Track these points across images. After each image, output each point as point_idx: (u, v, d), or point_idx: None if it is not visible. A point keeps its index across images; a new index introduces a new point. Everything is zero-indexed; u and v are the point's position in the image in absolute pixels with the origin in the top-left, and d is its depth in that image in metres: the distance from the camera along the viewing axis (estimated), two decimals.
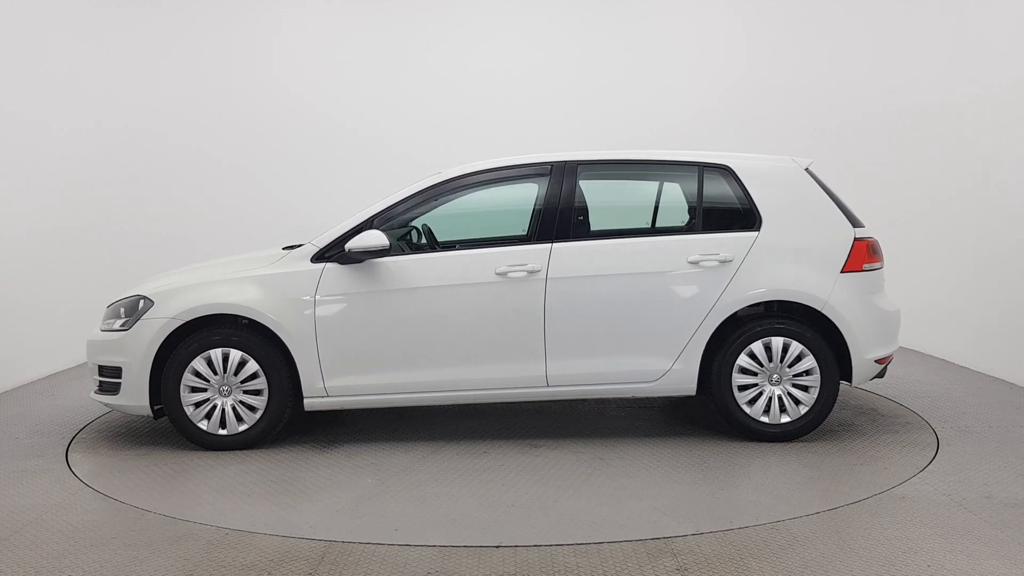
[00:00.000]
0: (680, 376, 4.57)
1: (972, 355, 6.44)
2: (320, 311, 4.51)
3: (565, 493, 3.88)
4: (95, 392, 4.76)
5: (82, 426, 5.13)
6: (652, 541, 3.31)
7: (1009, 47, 6.01)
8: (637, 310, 4.54)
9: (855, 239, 4.64)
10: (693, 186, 4.78)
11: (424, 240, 5.05)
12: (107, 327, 4.73)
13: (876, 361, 4.64)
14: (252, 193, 8.18)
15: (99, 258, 7.37)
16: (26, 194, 6.45)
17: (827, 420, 4.98)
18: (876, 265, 4.72)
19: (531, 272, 4.51)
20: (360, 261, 4.52)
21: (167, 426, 5.03)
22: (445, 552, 3.24)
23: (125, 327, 4.62)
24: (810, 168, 4.83)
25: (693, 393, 4.62)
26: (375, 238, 4.46)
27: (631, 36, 8.37)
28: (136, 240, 7.80)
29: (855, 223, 4.71)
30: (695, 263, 4.54)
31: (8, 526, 3.55)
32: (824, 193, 4.72)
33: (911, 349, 7.00)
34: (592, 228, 4.80)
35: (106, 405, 4.72)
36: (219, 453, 4.52)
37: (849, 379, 4.64)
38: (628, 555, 3.19)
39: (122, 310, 4.71)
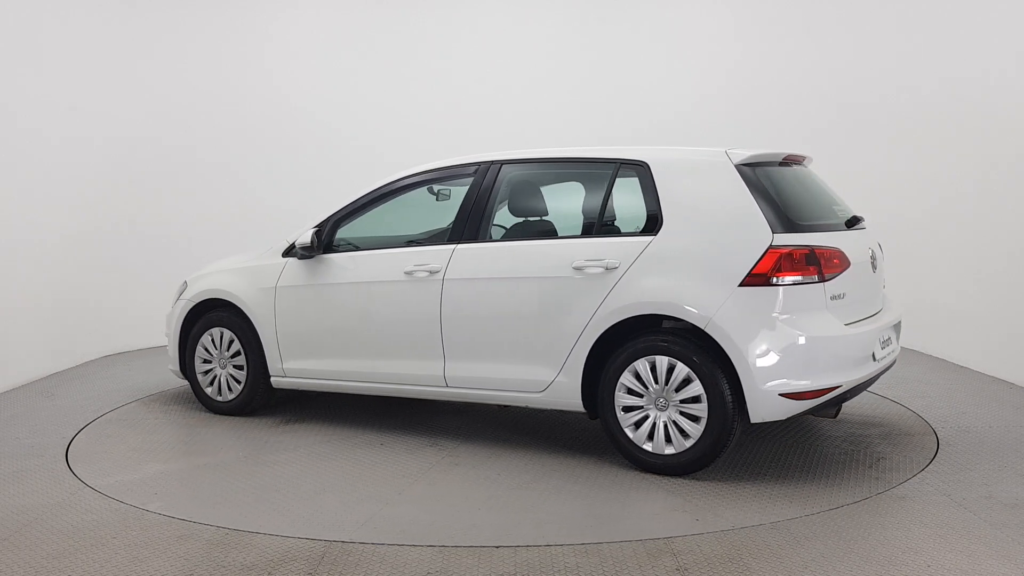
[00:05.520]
0: (564, 389, 4.24)
1: (972, 355, 6.44)
2: (279, 299, 5.04)
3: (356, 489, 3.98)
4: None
5: (82, 426, 5.13)
6: (652, 541, 3.31)
7: (1013, 39, 6.00)
8: (522, 316, 4.33)
9: (769, 247, 3.84)
10: (607, 185, 4.36)
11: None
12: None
13: (785, 396, 3.79)
14: (258, 195, 8.17)
15: (99, 259, 7.36)
16: (25, 197, 6.44)
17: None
18: (805, 279, 3.84)
19: (432, 272, 4.54)
20: (309, 257, 4.94)
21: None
22: (445, 552, 3.24)
23: (173, 306, 5.54)
24: (801, 162, 4.41)
25: (581, 409, 4.26)
26: (305, 237, 4.92)
27: (630, 34, 8.37)
28: (136, 242, 7.78)
29: (791, 227, 3.92)
30: (579, 269, 4.18)
31: (8, 526, 3.55)
32: (747, 193, 3.96)
33: (911, 349, 6.99)
34: (503, 230, 4.71)
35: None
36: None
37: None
38: (628, 555, 3.19)
39: (178, 291, 5.57)
